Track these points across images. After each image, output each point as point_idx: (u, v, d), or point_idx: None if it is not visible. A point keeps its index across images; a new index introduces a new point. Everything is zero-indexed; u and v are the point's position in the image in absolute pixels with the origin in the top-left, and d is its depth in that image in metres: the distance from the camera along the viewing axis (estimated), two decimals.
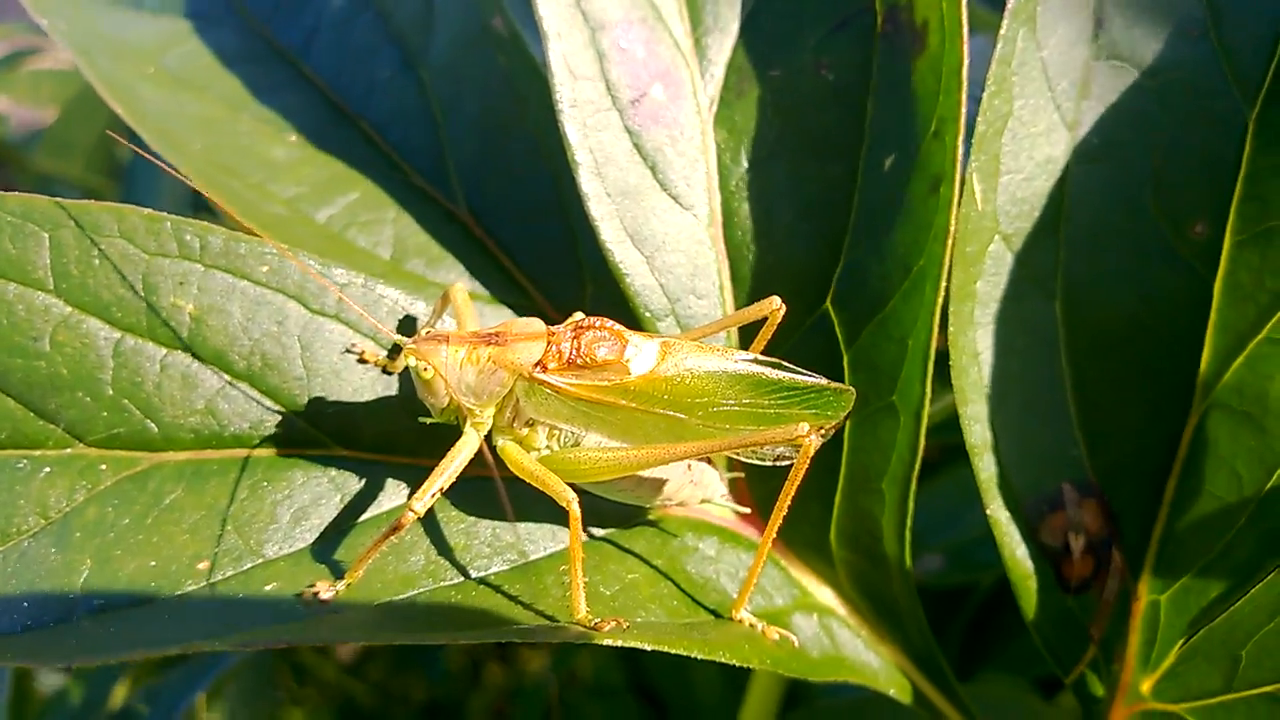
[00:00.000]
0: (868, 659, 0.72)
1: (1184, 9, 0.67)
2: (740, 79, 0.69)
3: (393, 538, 0.57)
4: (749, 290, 0.69)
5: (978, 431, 0.66)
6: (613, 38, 0.66)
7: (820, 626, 0.71)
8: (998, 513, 0.68)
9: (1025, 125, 0.66)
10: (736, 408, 0.59)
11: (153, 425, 0.61)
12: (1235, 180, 0.66)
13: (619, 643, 0.54)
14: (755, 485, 0.71)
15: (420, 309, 0.65)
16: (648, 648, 0.55)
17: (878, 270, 0.65)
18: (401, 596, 0.57)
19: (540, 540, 0.63)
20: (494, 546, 0.62)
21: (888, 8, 0.66)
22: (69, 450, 0.61)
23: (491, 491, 0.63)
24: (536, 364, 0.58)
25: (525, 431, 0.61)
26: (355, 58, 0.80)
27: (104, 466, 0.61)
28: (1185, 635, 0.68)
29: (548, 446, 0.61)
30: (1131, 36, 0.67)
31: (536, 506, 0.65)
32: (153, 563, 0.58)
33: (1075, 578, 0.70)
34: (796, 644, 0.64)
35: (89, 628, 0.55)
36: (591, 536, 0.65)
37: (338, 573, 0.58)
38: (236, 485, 0.61)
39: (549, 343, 0.58)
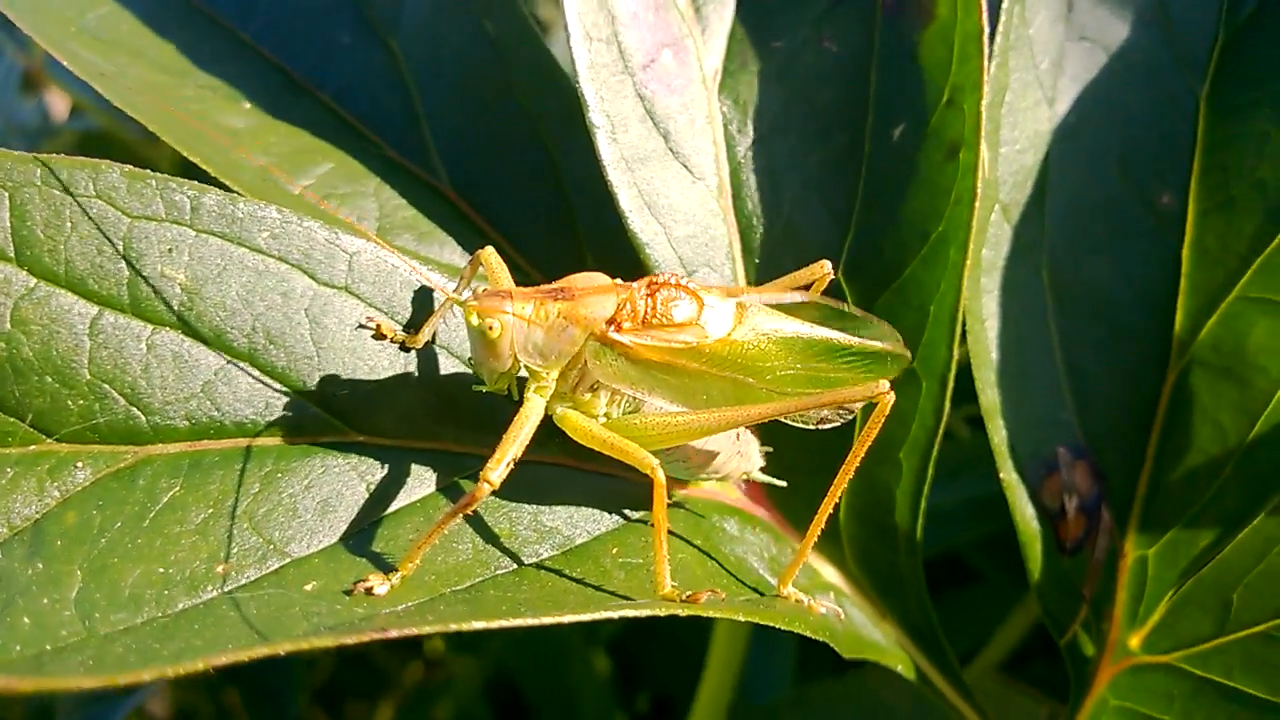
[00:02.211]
0: (876, 636, 0.72)
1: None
2: (742, 50, 0.68)
3: (466, 511, 0.51)
4: (760, 261, 0.68)
5: (990, 396, 0.68)
6: (622, 2, 0.64)
7: (836, 604, 0.70)
8: (1009, 475, 0.69)
9: (1018, 98, 0.69)
10: (801, 371, 0.58)
11: (139, 414, 0.53)
12: (1193, 154, 0.72)
13: (718, 614, 0.51)
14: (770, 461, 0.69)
15: (438, 280, 0.60)
16: (741, 618, 0.52)
17: (893, 238, 0.66)
18: (460, 587, 0.52)
19: (581, 523, 0.59)
20: (538, 531, 0.57)
21: None
22: (33, 447, 0.52)
23: (524, 475, 0.59)
24: (609, 321, 0.54)
25: (587, 397, 0.57)
26: (304, 23, 0.74)
27: (80, 464, 0.52)
28: (1175, 586, 0.71)
29: (606, 413, 0.58)
30: (1098, 18, 0.71)
31: (566, 488, 0.61)
32: (160, 569, 0.50)
33: (1070, 539, 0.73)
34: (842, 616, 0.63)
35: (95, 647, 0.46)
36: (626, 519, 0.61)
37: (384, 566, 0.52)
38: (244, 477, 0.53)
39: (622, 299, 0.54)
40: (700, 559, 0.61)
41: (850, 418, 0.63)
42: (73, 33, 0.69)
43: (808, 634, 0.57)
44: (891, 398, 0.55)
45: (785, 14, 0.68)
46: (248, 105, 0.70)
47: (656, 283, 0.56)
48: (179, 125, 0.65)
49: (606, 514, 0.60)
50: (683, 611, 0.51)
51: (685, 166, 0.66)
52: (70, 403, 0.53)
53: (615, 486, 0.62)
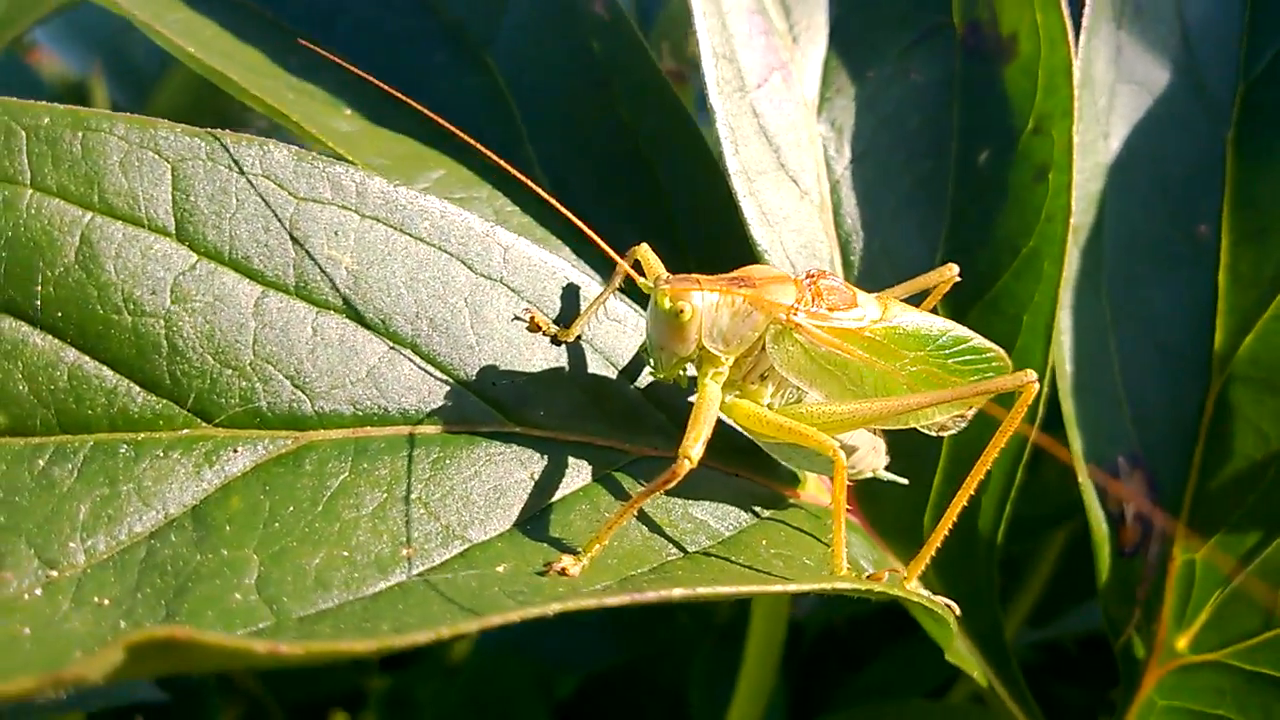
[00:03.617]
0: (960, 644, 0.74)
1: (1172, 46, 0.80)
2: (837, 78, 0.72)
3: (670, 485, 0.51)
4: (858, 275, 0.71)
5: (1068, 405, 0.72)
6: (738, 23, 0.67)
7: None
8: (1086, 480, 0.73)
9: (1085, 131, 0.75)
10: (928, 367, 0.60)
11: (305, 398, 0.52)
12: (1224, 190, 0.79)
13: (898, 594, 0.52)
14: None
15: (576, 277, 0.60)
16: (917, 598, 0.53)
17: (983, 255, 0.70)
18: (644, 570, 0.51)
19: (724, 518, 0.59)
20: (691, 523, 0.57)
21: (968, 22, 0.72)
22: (186, 431, 0.50)
23: (662, 470, 0.59)
24: (790, 307, 0.55)
25: (754, 386, 0.58)
26: (386, 43, 0.74)
27: (239, 449, 0.50)
28: (1221, 587, 0.76)
29: (769, 404, 0.58)
30: (1143, 63, 0.78)
31: (704, 485, 0.61)
32: (344, 552, 0.48)
33: (1129, 544, 0.77)
34: (958, 613, 0.65)
35: (296, 629, 0.44)
36: (759, 516, 0.62)
37: (567, 549, 0.51)
38: (412, 464, 0.52)
39: (797, 287, 0.56)
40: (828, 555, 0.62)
41: (964, 425, 0.66)
42: (156, 29, 0.67)
43: (941, 632, 0.58)
44: (1037, 387, 0.59)
45: (873, 46, 0.73)
46: (349, 111, 0.69)
47: (813, 275, 0.58)
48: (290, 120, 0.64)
49: (743, 510, 0.61)
50: (871, 589, 0.52)
51: (794, 181, 0.69)
52: (231, 385, 0.51)
53: (743, 486, 0.63)
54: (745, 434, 0.60)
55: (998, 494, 0.71)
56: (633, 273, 0.57)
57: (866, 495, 0.74)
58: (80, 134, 0.50)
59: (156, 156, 0.50)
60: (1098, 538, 0.75)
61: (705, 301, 0.54)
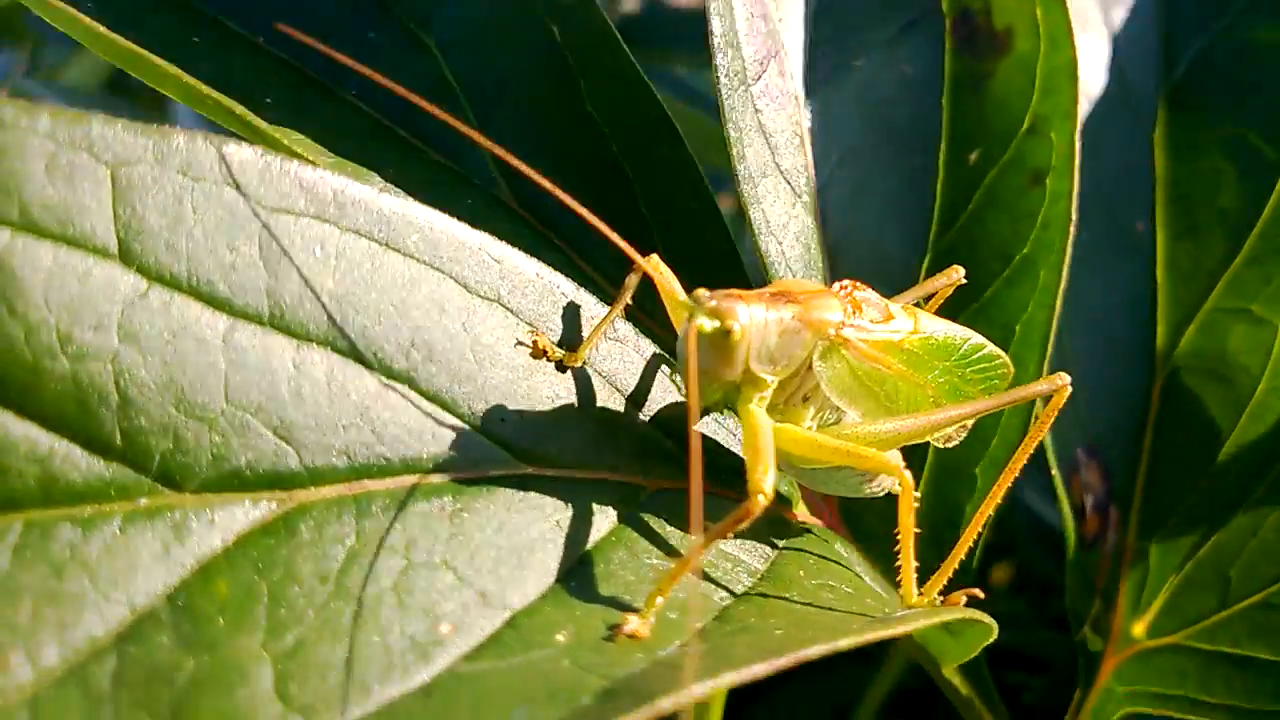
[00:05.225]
0: None
1: (1101, 52, 0.81)
2: (824, 67, 0.68)
3: (743, 525, 0.45)
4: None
5: (1039, 401, 0.71)
6: (742, 6, 0.62)
7: None
8: (1055, 473, 0.73)
9: None
10: (953, 378, 0.57)
11: (290, 451, 0.43)
12: (1154, 187, 0.81)
13: (968, 616, 0.49)
14: None
15: (576, 295, 0.53)
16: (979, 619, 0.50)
17: (972, 260, 0.67)
18: (708, 622, 0.45)
19: (753, 550, 0.54)
20: (729, 560, 0.52)
21: (959, 10, 0.69)
22: (144, 501, 0.40)
23: (661, 502, 0.53)
24: (840, 323, 0.50)
25: (797, 408, 0.52)
26: (320, 20, 0.64)
27: (214, 518, 0.41)
28: (1175, 571, 0.78)
29: (809, 426, 0.53)
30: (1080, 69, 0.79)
31: (716, 514, 0.56)
32: (375, 638, 0.39)
33: (1090, 534, 0.77)
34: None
35: None
36: (775, 546, 0.57)
37: (622, 605, 0.44)
38: (429, 522, 0.44)
39: (841, 300, 0.51)
40: (855, 581, 0.58)
41: (964, 435, 0.64)
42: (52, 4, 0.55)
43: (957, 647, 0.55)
44: (1069, 390, 0.57)
45: (860, 34, 0.69)
46: (270, 99, 0.59)
47: (846, 288, 0.53)
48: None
49: (760, 540, 0.56)
50: (950, 617, 0.48)
51: (789, 184, 0.64)
52: (200, 441, 0.41)
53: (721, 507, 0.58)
54: (784, 460, 0.54)
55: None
56: (662, 279, 0.51)
57: (848, 510, 0.70)
58: None
59: (92, 160, 0.40)
60: (1065, 529, 0.75)
61: (754, 320, 0.49)
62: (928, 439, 0.60)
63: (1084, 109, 0.79)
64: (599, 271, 0.64)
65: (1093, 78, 0.80)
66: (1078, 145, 0.65)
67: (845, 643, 0.41)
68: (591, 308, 0.54)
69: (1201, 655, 0.75)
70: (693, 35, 0.64)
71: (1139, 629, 0.78)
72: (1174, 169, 0.81)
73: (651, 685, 0.36)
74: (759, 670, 0.38)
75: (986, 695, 0.75)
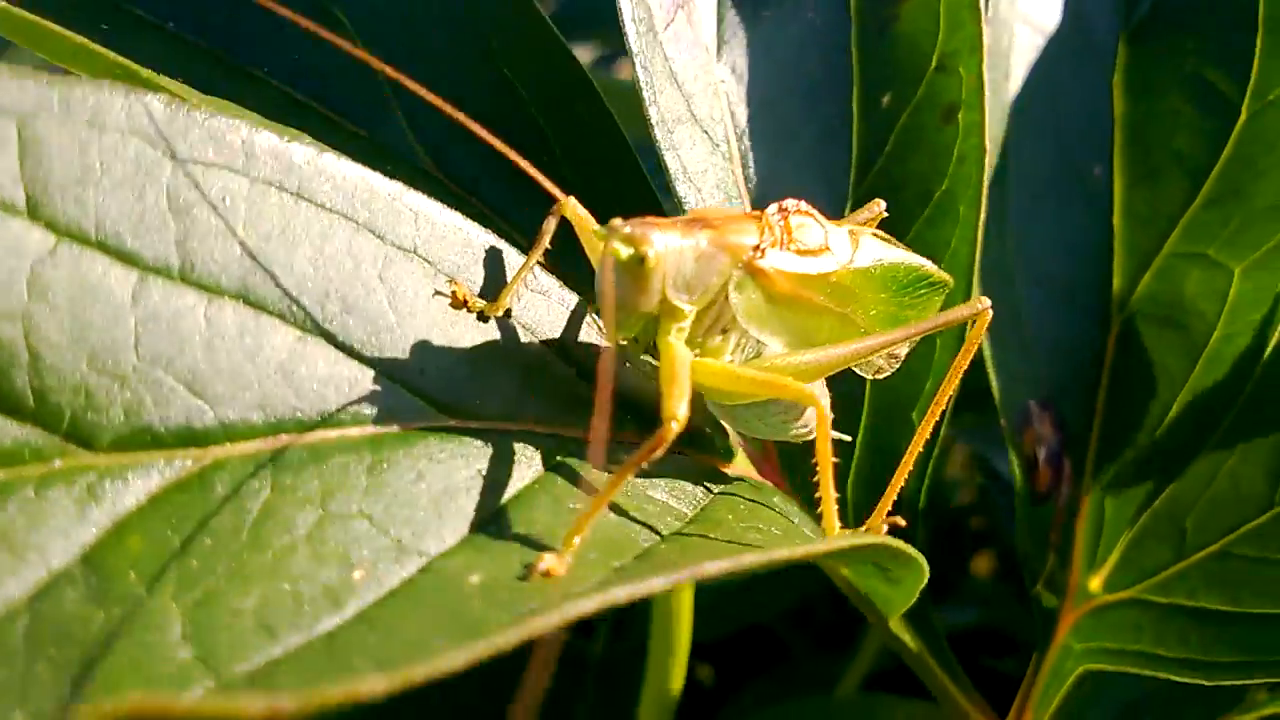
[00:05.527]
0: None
1: None
2: (733, 18, 0.67)
3: (657, 451, 0.45)
4: None
5: (989, 348, 0.71)
6: None
7: None
8: (1005, 426, 0.73)
9: (991, 67, 0.73)
10: (888, 303, 0.57)
11: (204, 407, 0.43)
12: (1113, 130, 0.80)
13: (887, 543, 0.49)
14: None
15: (495, 243, 0.53)
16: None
17: (894, 201, 0.67)
18: (627, 560, 0.46)
19: (681, 496, 0.54)
20: (655, 505, 0.52)
21: None
22: (59, 463, 0.40)
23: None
24: (755, 248, 0.50)
25: (716, 341, 0.52)
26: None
27: (128, 478, 0.41)
28: (1130, 524, 0.78)
29: (730, 360, 0.53)
30: (1036, 4, 0.78)
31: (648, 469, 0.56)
32: (285, 585, 0.40)
33: (1042, 487, 0.78)
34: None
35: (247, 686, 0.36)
36: (710, 491, 0.57)
37: (540, 547, 0.45)
38: (345, 474, 0.44)
39: (761, 225, 0.51)
40: (786, 524, 0.58)
41: (898, 366, 0.64)
42: None
43: (897, 595, 0.56)
44: (990, 313, 0.56)
45: None
46: (175, 85, 0.59)
47: (785, 209, 0.53)
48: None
49: (696, 486, 0.56)
50: (867, 541, 0.49)
51: (707, 134, 0.64)
52: (112, 398, 0.41)
53: (686, 462, 0.58)
54: (704, 395, 0.54)
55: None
56: (580, 219, 0.51)
57: (791, 467, 0.70)
58: None
59: None
60: (1016, 484, 0.75)
61: (669, 246, 0.48)
62: (855, 368, 0.59)
63: (1038, 45, 0.79)
64: (524, 234, 0.64)
65: (1048, 14, 0.79)
66: (987, 79, 0.65)
67: (749, 559, 0.41)
68: (512, 258, 0.53)
69: (1158, 609, 0.75)
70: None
71: (1095, 584, 0.79)
72: (1133, 111, 0.80)
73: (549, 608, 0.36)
74: (657, 584, 0.38)
75: (935, 646, 0.76)
